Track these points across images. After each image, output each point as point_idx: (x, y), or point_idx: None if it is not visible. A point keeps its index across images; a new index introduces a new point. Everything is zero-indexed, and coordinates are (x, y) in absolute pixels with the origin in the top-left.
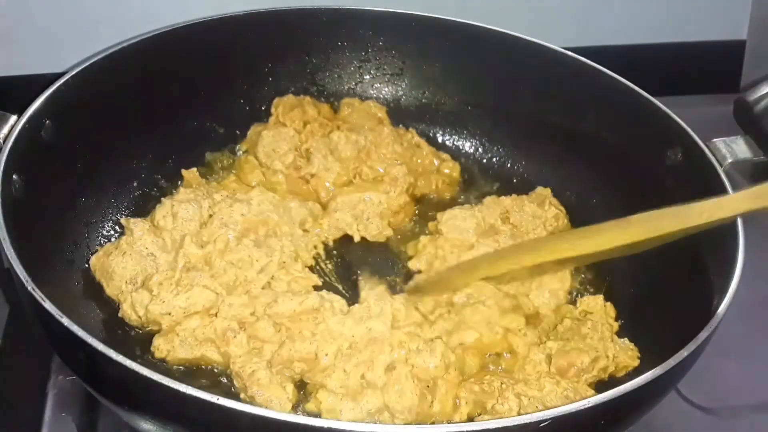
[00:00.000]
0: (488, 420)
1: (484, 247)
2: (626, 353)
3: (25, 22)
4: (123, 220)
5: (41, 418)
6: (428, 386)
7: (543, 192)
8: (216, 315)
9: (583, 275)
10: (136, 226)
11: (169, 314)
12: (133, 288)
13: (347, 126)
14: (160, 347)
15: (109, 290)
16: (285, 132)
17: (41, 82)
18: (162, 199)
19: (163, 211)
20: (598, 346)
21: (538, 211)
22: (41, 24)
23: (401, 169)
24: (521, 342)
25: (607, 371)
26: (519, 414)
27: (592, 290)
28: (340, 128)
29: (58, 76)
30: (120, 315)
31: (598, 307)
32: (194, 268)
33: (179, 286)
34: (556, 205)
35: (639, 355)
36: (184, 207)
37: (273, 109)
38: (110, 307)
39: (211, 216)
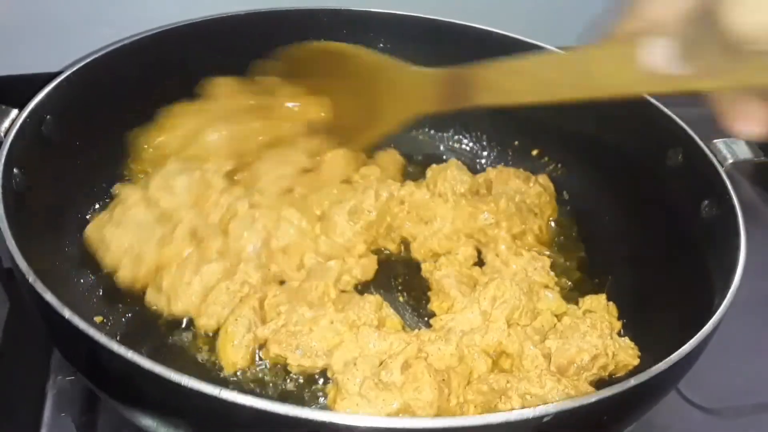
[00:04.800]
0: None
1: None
2: (626, 352)
3: (25, 21)
4: (116, 187)
5: (41, 418)
6: (443, 379)
7: (541, 178)
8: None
9: (582, 275)
10: (129, 194)
11: (194, 300)
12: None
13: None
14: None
15: (107, 260)
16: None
17: (41, 82)
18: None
19: (157, 182)
20: (598, 344)
21: (523, 187)
22: (41, 24)
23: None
24: (509, 342)
25: (608, 369)
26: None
27: (593, 290)
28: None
29: (57, 75)
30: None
31: (600, 306)
32: (193, 235)
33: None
34: (544, 183)
35: (639, 353)
36: (179, 178)
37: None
38: (110, 303)
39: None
